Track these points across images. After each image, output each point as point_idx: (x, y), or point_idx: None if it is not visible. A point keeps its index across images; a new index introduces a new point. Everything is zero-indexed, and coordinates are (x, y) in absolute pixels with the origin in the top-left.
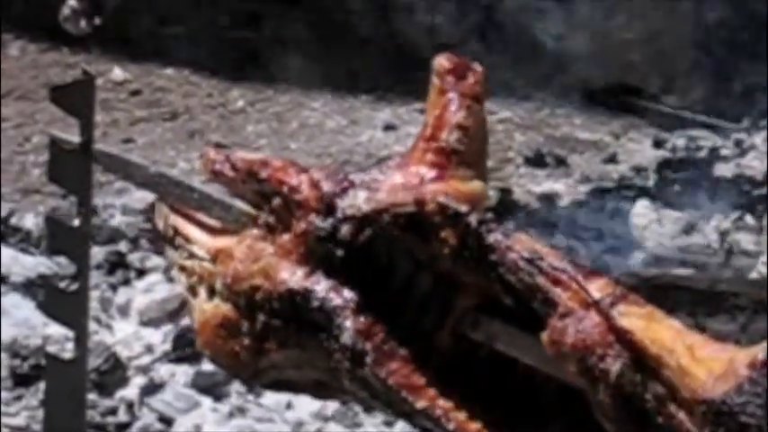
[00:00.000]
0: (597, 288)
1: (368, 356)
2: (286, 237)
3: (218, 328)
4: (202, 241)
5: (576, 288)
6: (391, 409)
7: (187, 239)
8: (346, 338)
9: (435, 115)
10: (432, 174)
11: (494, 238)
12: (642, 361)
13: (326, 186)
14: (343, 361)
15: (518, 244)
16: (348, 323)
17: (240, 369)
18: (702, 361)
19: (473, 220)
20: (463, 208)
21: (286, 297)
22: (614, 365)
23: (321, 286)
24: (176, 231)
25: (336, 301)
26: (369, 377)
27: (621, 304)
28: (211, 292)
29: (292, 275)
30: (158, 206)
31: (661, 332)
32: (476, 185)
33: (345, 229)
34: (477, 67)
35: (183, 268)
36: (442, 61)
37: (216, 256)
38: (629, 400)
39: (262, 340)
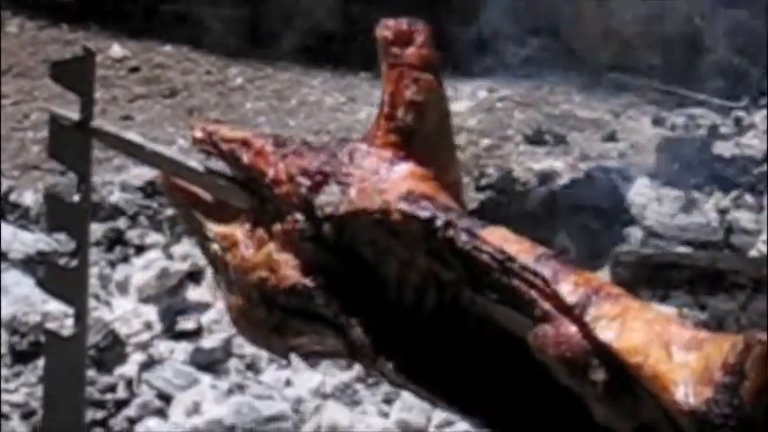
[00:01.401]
0: (569, 288)
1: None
2: (279, 227)
3: (242, 316)
4: (209, 225)
5: (548, 291)
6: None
7: (199, 222)
8: (355, 336)
9: (388, 92)
10: (395, 162)
11: (461, 240)
12: (623, 370)
13: (302, 180)
14: (356, 355)
15: (487, 244)
16: (354, 329)
17: (274, 350)
18: (679, 363)
19: (439, 222)
20: (425, 213)
21: (291, 292)
22: (598, 376)
23: (320, 284)
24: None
25: (335, 307)
26: (386, 372)
27: (594, 306)
28: (229, 282)
29: (292, 271)
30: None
31: (636, 335)
32: (441, 168)
33: (327, 228)
34: (421, 28)
35: (202, 245)
36: (383, 32)
37: (223, 241)
38: (619, 405)
39: (280, 329)
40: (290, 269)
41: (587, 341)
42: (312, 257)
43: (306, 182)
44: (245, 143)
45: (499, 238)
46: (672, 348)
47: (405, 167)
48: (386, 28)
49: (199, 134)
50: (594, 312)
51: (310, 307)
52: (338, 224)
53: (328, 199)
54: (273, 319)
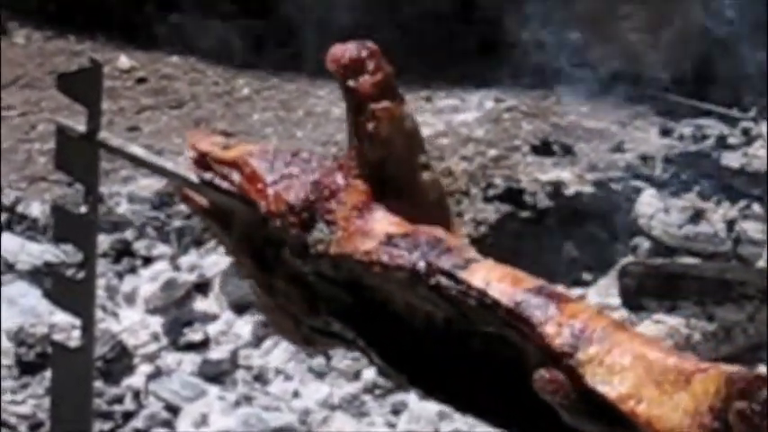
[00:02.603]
0: (554, 329)
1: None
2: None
3: (273, 323)
4: (224, 239)
5: (535, 337)
6: None
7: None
8: (374, 360)
9: (349, 124)
10: (370, 203)
11: (444, 287)
12: (617, 414)
13: (292, 219)
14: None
15: (471, 289)
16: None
17: (307, 350)
18: (671, 406)
19: (421, 268)
20: (405, 261)
21: (309, 318)
22: (595, 421)
23: (332, 312)
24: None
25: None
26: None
27: (581, 350)
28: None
29: (304, 304)
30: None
31: (626, 377)
32: (418, 190)
33: (325, 266)
34: (369, 52)
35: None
36: (332, 65)
37: (238, 265)
38: None
39: (309, 340)
40: (301, 300)
41: (580, 387)
42: (319, 290)
43: (295, 221)
44: (236, 165)
45: (482, 278)
46: (663, 387)
47: (380, 209)
48: (333, 61)
49: (192, 154)
50: (582, 356)
51: (331, 329)
52: (332, 262)
53: (318, 237)
54: (302, 332)
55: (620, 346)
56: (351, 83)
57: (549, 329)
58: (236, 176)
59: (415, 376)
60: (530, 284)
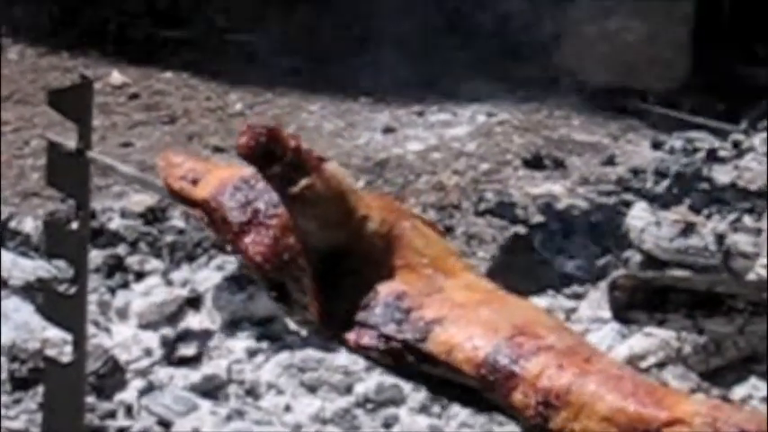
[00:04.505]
0: (521, 397)
1: None
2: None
3: None
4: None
5: (507, 403)
6: None
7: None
8: None
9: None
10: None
11: (410, 362)
12: None
13: (268, 276)
14: None
15: (437, 361)
16: None
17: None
18: None
19: (394, 346)
20: (372, 345)
21: None
22: None
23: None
24: None
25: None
26: None
27: (552, 418)
28: None
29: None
30: None
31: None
32: (372, 248)
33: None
34: (271, 136)
35: None
36: (244, 158)
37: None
38: None
39: None
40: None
41: None
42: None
43: (270, 277)
44: (206, 209)
45: (444, 346)
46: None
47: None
48: (246, 157)
49: (172, 189)
50: (554, 425)
51: None
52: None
53: (297, 299)
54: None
55: (588, 407)
56: (263, 171)
57: (517, 398)
58: (211, 221)
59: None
60: (494, 337)
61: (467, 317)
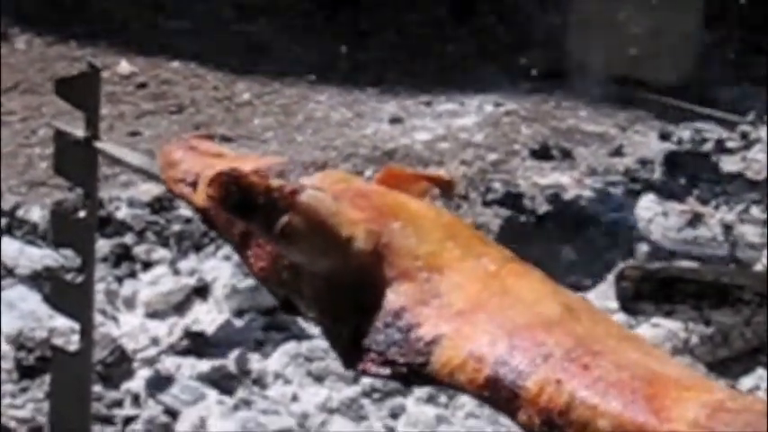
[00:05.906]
0: (527, 419)
1: None
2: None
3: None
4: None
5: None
6: None
7: None
8: None
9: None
10: None
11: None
12: None
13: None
14: None
15: (441, 382)
16: None
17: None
18: None
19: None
20: (378, 372)
21: None
22: None
23: None
24: None
25: None
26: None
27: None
28: None
29: None
30: None
31: None
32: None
33: None
34: (237, 178)
35: None
36: (212, 208)
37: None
38: None
39: None
40: None
41: None
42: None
43: (274, 289)
44: (207, 215)
45: (446, 367)
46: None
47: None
48: (219, 209)
49: (172, 192)
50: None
51: None
52: None
53: (305, 311)
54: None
55: (589, 425)
56: (249, 225)
57: (522, 419)
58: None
59: None
60: (493, 352)
61: (465, 330)
